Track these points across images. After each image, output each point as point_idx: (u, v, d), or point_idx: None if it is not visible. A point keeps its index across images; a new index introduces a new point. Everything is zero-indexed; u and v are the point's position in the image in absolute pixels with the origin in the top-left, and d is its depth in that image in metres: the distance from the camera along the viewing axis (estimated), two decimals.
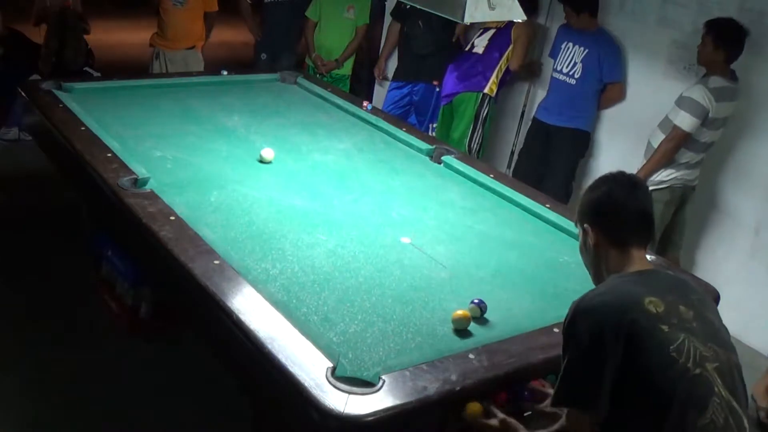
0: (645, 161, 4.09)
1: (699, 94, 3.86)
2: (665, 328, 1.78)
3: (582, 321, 1.83)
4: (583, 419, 1.85)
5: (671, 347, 1.76)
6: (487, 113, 4.97)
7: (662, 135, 4.00)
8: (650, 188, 3.91)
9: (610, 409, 1.79)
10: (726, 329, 1.93)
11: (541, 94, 5.01)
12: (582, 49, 4.60)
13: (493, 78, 4.94)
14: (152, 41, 5.53)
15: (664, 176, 4.04)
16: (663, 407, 1.74)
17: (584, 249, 2.06)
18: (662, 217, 4.06)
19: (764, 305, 4.12)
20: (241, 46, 8.19)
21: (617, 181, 2.02)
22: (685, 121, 3.89)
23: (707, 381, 1.77)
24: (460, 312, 2.37)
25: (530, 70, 5.08)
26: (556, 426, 2.00)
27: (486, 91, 4.95)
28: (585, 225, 2.03)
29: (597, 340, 1.79)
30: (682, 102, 3.92)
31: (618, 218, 1.97)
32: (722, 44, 3.85)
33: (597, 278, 2.03)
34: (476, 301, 2.44)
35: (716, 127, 3.94)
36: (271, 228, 2.85)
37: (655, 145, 4.04)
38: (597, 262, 2.02)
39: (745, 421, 1.81)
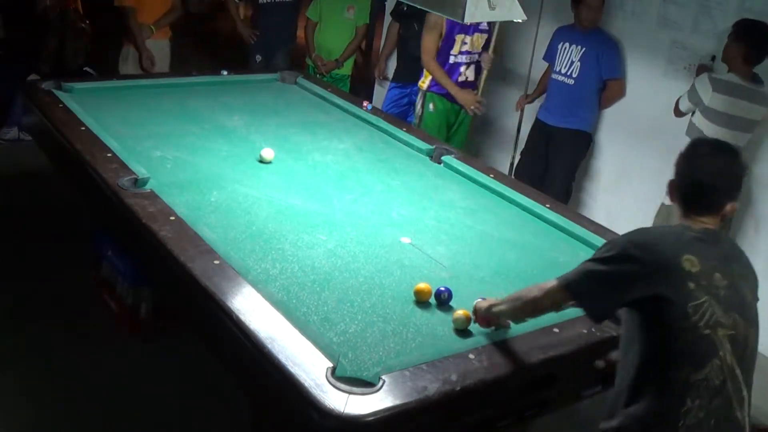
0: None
1: (699, 80, 3.93)
2: (692, 285, 1.88)
3: (624, 239, 1.99)
4: (559, 293, 2.02)
5: (690, 303, 1.87)
6: (422, 105, 4.80)
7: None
8: None
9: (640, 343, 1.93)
10: (756, 310, 2.03)
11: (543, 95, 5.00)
12: (579, 47, 4.60)
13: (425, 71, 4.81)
14: None
15: None
16: (666, 353, 1.87)
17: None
18: None
19: (764, 305, 4.10)
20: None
21: (696, 146, 2.12)
22: (682, 99, 4.03)
23: (712, 343, 1.87)
24: (460, 312, 2.37)
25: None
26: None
27: (419, 83, 4.80)
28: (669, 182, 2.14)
29: (620, 260, 1.92)
30: None
31: (684, 182, 2.06)
32: (741, 40, 3.82)
33: None
34: (442, 288, 2.48)
35: (719, 123, 3.85)
36: (271, 228, 2.85)
37: None
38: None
39: (745, 393, 1.91)
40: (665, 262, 1.90)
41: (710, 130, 3.88)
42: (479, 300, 2.34)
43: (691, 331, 1.86)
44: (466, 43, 4.62)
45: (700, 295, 1.88)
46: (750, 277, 2.05)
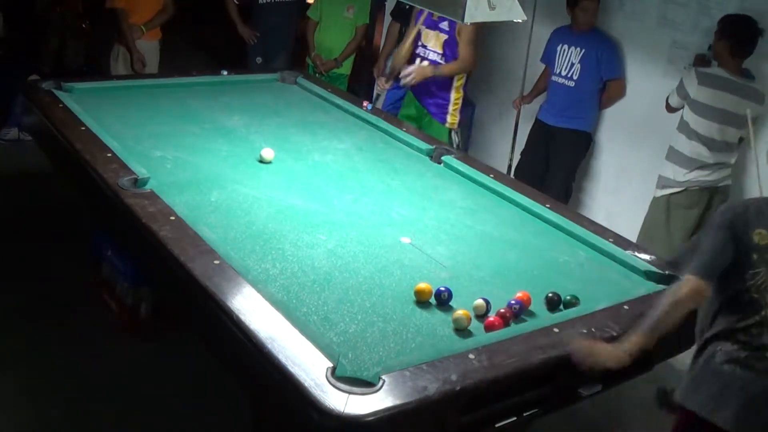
0: (667, 164, 4.07)
1: (687, 75, 3.97)
2: (755, 256, 2.25)
3: (718, 215, 2.35)
4: (697, 284, 2.24)
5: (750, 271, 2.24)
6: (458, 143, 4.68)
7: (683, 136, 3.97)
8: (669, 191, 4.00)
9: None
10: None
11: (542, 95, 5.00)
12: (579, 49, 4.60)
13: (450, 109, 4.57)
14: None
15: (681, 177, 3.99)
16: (721, 302, 2.28)
17: None
18: (684, 222, 4.02)
19: None
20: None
21: None
22: (671, 95, 4.08)
23: (758, 304, 2.23)
24: (460, 312, 2.38)
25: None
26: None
27: (448, 124, 4.60)
28: None
29: (717, 230, 2.29)
30: None
31: None
32: (728, 36, 3.85)
33: None
34: (442, 288, 2.48)
35: (706, 116, 3.86)
36: (271, 228, 2.85)
37: (677, 148, 4.01)
38: None
39: None
40: (740, 234, 2.25)
41: (697, 123, 3.91)
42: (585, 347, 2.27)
43: (743, 292, 2.24)
44: (425, 35, 4.51)
45: (759, 266, 2.24)
46: None
